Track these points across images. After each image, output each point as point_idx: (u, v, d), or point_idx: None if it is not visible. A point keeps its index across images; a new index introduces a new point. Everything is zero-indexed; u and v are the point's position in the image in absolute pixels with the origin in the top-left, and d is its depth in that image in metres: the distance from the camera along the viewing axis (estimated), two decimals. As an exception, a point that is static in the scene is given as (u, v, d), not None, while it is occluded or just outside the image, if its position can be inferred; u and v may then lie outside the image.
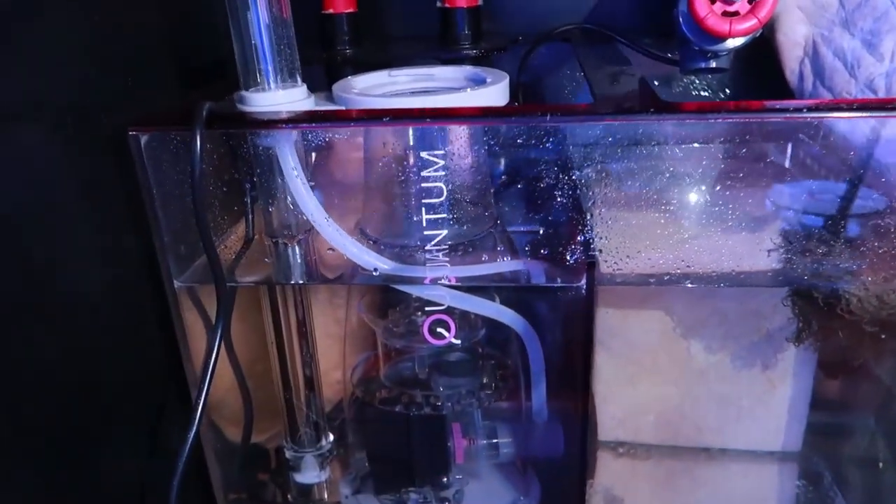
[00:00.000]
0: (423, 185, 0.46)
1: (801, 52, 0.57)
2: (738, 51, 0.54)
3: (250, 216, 0.51)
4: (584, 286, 0.41)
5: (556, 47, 0.66)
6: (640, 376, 0.60)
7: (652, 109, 0.38)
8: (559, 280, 0.43)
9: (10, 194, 0.37)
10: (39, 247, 0.40)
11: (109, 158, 0.45)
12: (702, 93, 0.68)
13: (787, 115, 0.39)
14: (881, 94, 0.49)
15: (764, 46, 0.55)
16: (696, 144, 0.43)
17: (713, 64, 0.59)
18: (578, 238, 0.41)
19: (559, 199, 0.43)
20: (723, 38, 0.53)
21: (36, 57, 0.39)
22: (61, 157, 0.41)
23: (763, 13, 0.50)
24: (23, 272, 0.38)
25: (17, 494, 0.39)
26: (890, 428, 0.60)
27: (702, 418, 0.60)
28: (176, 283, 0.47)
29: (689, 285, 0.44)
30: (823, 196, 0.44)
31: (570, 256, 0.41)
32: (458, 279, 0.47)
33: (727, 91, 0.73)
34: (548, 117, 0.38)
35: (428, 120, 0.39)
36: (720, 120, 0.39)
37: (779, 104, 0.39)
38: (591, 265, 0.41)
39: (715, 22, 0.51)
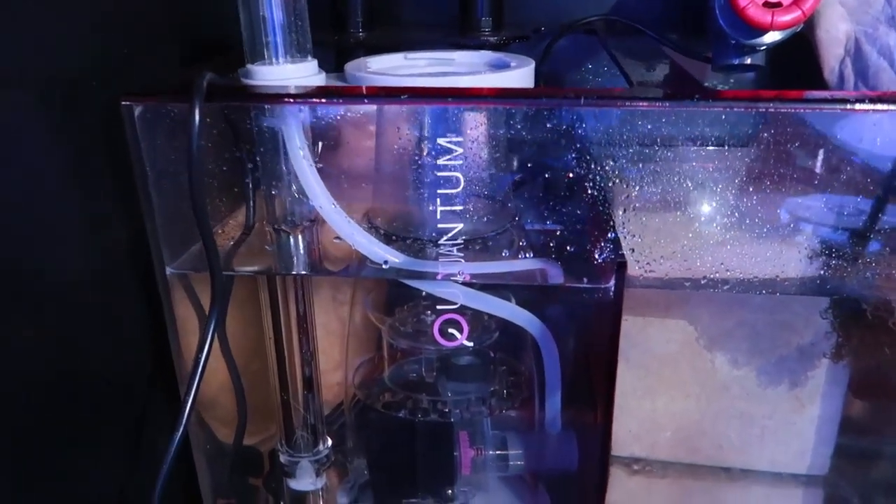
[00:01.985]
0: (439, 173, 0.43)
1: (841, 51, 0.53)
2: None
3: (251, 202, 0.47)
4: (613, 288, 0.38)
5: (580, 39, 0.63)
6: (659, 389, 0.57)
7: (697, 96, 0.35)
8: (585, 281, 0.39)
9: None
10: (18, 227, 0.36)
11: (100, 134, 0.41)
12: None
13: (848, 107, 0.35)
14: (931, 95, 0.46)
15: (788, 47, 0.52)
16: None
17: (748, 60, 0.55)
18: (608, 236, 0.38)
19: (585, 194, 0.40)
20: (763, 31, 0.50)
21: (22, 19, 0.36)
22: (46, 129, 0.38)
23: (807, 5, 0.47)
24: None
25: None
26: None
27: (723, 436, 0.57)
28: (168, 270, 0.43)
29: (725, 290, 0.41)
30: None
31: (599, 255, 0.38)
32: (473, 277, 0.44)
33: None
34: (581, 100, 0.35)
35: (450, 100, 0.36)
36: (771, 110, 0.35)
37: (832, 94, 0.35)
38: (620, 265, 0.37)
39: (756, 12, 0.48)
